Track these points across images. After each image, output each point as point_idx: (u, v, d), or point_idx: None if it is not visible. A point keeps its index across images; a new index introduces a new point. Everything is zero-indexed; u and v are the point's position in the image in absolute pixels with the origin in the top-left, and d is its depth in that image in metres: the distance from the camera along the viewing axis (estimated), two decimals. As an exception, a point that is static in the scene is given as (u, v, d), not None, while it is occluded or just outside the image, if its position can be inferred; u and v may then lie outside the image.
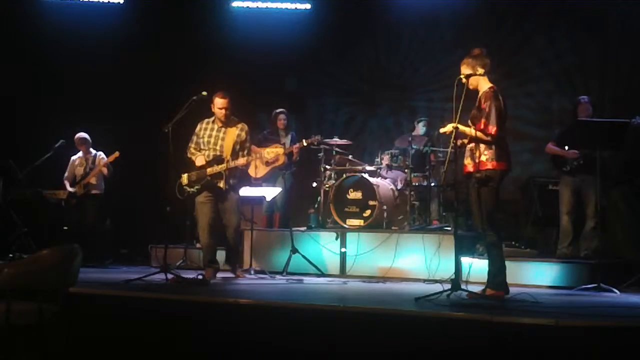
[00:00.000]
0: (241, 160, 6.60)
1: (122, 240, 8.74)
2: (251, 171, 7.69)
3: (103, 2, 9.79)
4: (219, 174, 6.60)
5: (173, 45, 9.42)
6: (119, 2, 9.78)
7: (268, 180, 8.17)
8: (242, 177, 7.06)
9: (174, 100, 6.77)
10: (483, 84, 5.36)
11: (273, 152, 7.30)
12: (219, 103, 6.62)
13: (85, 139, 8.52)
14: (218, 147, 6.68)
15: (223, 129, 6.72)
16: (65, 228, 8.27)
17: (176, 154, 6.50)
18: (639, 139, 6.60)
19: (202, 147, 6.75)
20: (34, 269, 3.75)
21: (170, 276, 6.20)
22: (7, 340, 3.73)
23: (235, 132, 6.68)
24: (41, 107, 9.32)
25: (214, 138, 6.71)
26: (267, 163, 8.02)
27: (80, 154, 8.60)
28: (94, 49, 9.29)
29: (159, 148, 6.59)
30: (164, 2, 9.57)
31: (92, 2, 9.81)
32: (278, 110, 8.51)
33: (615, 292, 5.86)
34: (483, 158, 5.25)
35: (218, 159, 6.63)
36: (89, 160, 8.50)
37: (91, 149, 8.56)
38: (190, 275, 6.45)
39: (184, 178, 6.74)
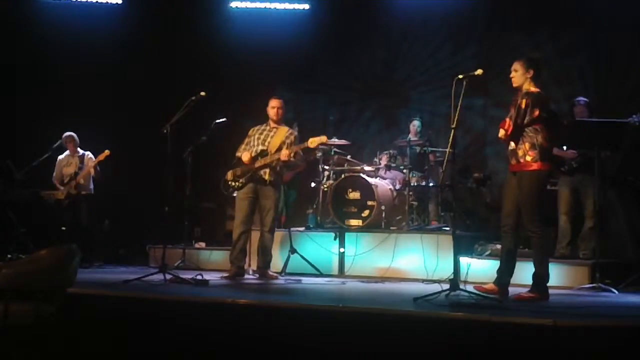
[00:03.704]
0: (284, 152, 6.62)
1: (120, 240, 8.72)
2: None
3: (103, 2, 9.78)
4: (263, 166, 6.73)
5: (172, 45, 9.41)
6: (118, 2, 9.78)
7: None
8: (283, 178, 7.11)
9: (172, 100, 6.76)
10: (527, 87, 5.47)
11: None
12: (271, 102, 6.92)
13: (72, 137, 8.43)
14: (266, 144, 6.80)
15: (274, 130, 6.88)
16: (64, 228, 8.25)
17: (175, 154, 6.50)
18: (637, 139, 6.59)
19: (251, 144, 6.88)
20: (31, 269, 3.75)
21: (168, 276, 6.20)
22: (5, 340, 3.72)
23: (284, 134, 6.84)
24: (40, 107, 9.30)
25: (264, 136, 6.88)
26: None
27: (67, 153, 8.51)
28: (94, 49, 9.29)
29: (158, 148, 6.59)
30: (163, 2, 9.57)
31: (92, 2, 9.79)
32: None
33: (614, 292, 5.85)
34: (528, 158, 5.34)
35: (263, 153, 6.77)
36: (77, 160, 8.41)
37: (79, 149, 8.48)
38: (188, 275, 6.44)
39: (229, 174, 6.88)
